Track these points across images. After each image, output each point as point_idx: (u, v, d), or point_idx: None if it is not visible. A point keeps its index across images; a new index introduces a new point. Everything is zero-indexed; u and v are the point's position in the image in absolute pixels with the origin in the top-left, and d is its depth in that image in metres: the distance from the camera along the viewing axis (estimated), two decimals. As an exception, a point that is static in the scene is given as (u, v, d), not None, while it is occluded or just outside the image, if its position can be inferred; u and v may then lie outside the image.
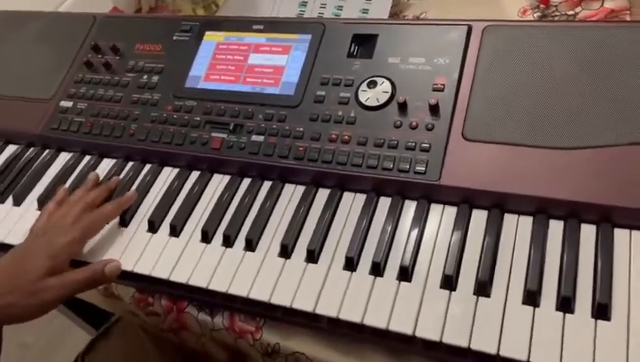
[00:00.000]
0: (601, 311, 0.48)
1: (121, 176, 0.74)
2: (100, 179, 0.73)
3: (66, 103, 0.81)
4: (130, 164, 0.75)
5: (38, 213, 0.72)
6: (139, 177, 0.73)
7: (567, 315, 0.49)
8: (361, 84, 0.67)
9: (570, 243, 0.53)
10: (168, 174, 0.73)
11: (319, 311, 0.55)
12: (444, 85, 0.63)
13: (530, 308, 0.50)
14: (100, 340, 0.85)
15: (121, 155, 0.76)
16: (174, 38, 0.80)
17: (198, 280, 0.60)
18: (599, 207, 0.53)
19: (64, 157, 0.80)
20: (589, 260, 0.52)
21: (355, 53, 0.70)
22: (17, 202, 0.75)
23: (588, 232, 0.54)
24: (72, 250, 0.61)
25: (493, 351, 0.49)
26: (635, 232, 0.53)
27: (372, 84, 0.66)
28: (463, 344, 0.50)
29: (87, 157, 0.79)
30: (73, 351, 1.57)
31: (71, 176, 0.76)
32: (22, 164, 0.80)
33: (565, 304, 0.49)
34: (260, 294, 0.57)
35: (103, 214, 0.65)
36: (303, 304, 0.56)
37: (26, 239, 0.63)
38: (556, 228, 0.55)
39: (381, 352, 0.57)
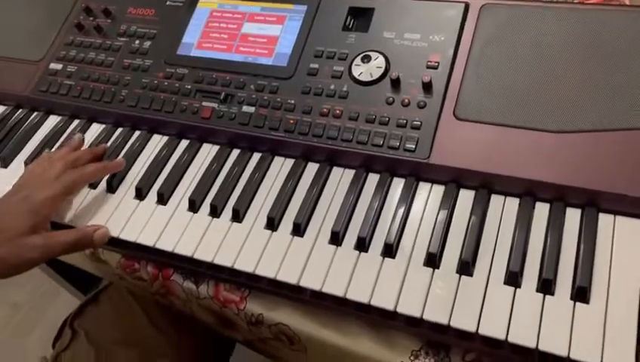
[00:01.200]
0: (581, 293, 0.49)
1: (110, 141, 0.73)
2: (89, 143, 0.73)
3: (56, 66, 0.80)
4: (120, 129, 0.75)
5: (26, 175, 0.72)
6: (128, 143, 0.72)
7: (547, 297, 0.50)
8: (355, 58, 0.66)
9: (555, 226, 0.53)
10: (157, 142, 0.72)
11: (303, 283, 0.55)
12: (438, 63, 0.63)
13: (511, 289, 0.51)
14: (90, 305, 0.85)
15: (111, 121, 0.76)
16: (167, 3, 0.79)
17: (184, 249, 0.60)
18: (585, 192, 0.53)
19: (53, 120, 0.79)
20: (572, 243, 0.52)
21: (350, 26, 0.69)
22: (4, 164, 0.74)
23: (573, 216, 0.54)
24: (52, 205, 0.60)
25: (472, 328, 0.49)
26: (619, 218, 0.53)
27: (366, 59, 0.65)
28: (444, 321, 0.50)
29: (77, 121, 0.78)
30: (61, 313, 1.59)
31: (59, 139, 0.76)
32: (10, 126, 0.79)
33: (546, 286, 0.50)
34: (245, 265, 0.58)
35: (85, 172, 0.64)
36: (288, 276, 0.56)
37: (5, 194, 0.62)
38: (542, 210, 0.55)
39: (363, 326, 0.57)
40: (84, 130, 0.76)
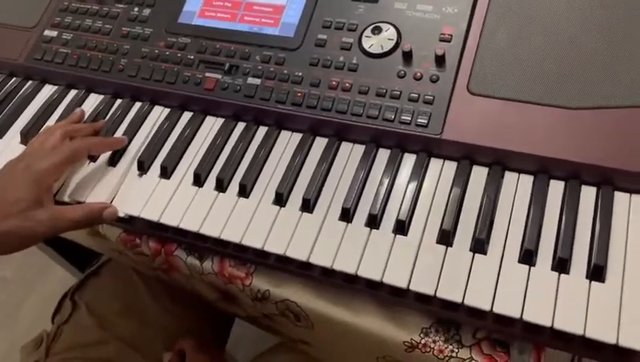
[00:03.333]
0: (597, 272, 0.48)
1: (110, 113, 0.71)
2: (87, 114, 0.71)
3: (50, 33, 0.77)
4: (119, 101, 0.72)
5: (22, 146, 0.69)
6: (128, 115, 0.70)
7: (563, 275, 0.49)
8: (365, 29, 0.64)
9: (570, 204, 0.52)
10: (159, 113, 0.70)
11: (313, 260, 0.54)
12: (451, 35, 0.61)
13: (525, 267, 0.50)
14: (91, 278, 0.84)
15: (110, 91, 0.73)
16: (168, -32, 0.75)
17: (190, 224, 0.59)
18: (601, 169, 0.53)
19: (48, 90, 0.76)
20: (588, 222, 0.52)
21: (360, -5, 0.67)
22: (-1, 134, 0.72)
23: (588, 194, 0.53)
24: (54, 173, 0.58)
25: (486, 307, 0.49)
26: (635, 196, 0.52)
27: (377, 30, 0.63)
28: (457, 299, 0.50)
29: (74, 92, 0.75)
30: (52, 288, 1.58)
31: (56, 110, 0.73)
32: (3, 95, 0.76)
33: (561, 264, 0.49)
34: (253, 241, 0.57)
35: (87, 142, 0.63)
36: (297, 253, 0.55)
37: (6, 165, 0.60)
38: (557, 188, 0.54)
39: (372, 303, 0.57)
40: (81, 100, 0.73)
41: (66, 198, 0.63)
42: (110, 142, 0.65)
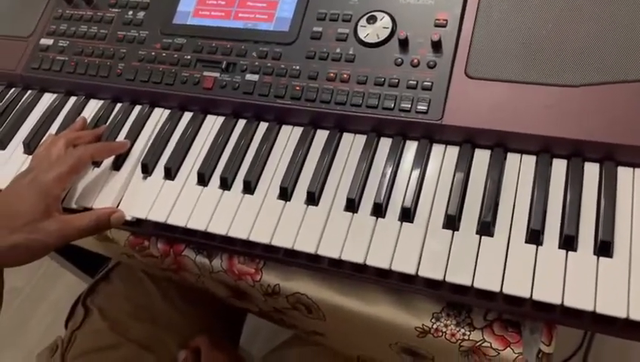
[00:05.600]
0: (604, 248, 0.48)
1: (110, 117, 0.71)
2: (88, 120, 0.71)
3: (46, 41, 0.77)
4: (119, 105, 0.72)
5: (25, 156, 0.70)
6: (129, 119, 0.70)
7: (570, 253, 0.49)
8: (360, 19, 0.64)
9: (574, 181, 0.53)
10: (159, 115, 0.70)
11: (321, 252, 0.55)
12: (446, 20, 0.61)
13: (533, 247, 0.50)
14: (101, 283, 0.85)
15: (109, 96, 0.73)
16: (159, -31, 0.75)
17: (197, 224, 0.59)
18: (603, 145, 0.53)
19: (48, 98, 0.76)
20: (592, 198, 0.52)
21: (352, -14, 0.67)
22: (2, 145, 0.72)
23: (591, 170, 0.53)
24: (60, 184, 0.59)
25: (496, 288, 0.49)
26: (638, 170, 0.52)
27: (371, 20, 0.63)
28: (467, 282, 0.50)
29: (73, 98, 0.75)
30: (63, 295, 1.59)
31: (57, 118, 0.73)
32: (3, 106, 0.76)
33: (568, 242, 0.49)
34: (260, 236, 0.57)
35: (88, 150, 0.62)
36: (305, 245, 0.55)
37: (13, 179, 0.60)
38: (559, 167, 0.54)
39: (382, 291, 0.57)
40: (81, 107, 0.74)
41: (72, 205, 0.63)
42: (113, 147, 0.66)
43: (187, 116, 0.69)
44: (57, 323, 0.87)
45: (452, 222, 0.53)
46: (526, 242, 0.51)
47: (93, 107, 0.73)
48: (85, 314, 0.81)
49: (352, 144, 0.62)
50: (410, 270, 0.52)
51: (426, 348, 0.58)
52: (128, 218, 0.62)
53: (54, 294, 1.62)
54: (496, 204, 0.54)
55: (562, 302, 0.47)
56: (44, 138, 0.70)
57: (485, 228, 0.52)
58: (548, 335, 0.52)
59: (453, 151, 0.58)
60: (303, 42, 0.65)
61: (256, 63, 0.66)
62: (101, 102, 0.74)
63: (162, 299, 0.82)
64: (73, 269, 1.23)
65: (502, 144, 0.57)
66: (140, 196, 0.63)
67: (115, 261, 0.88)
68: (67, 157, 0.60)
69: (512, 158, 0.56)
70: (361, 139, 0.61)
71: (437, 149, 0.59)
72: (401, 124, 0.59)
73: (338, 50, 0.64)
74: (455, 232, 0.53)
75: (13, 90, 0.79)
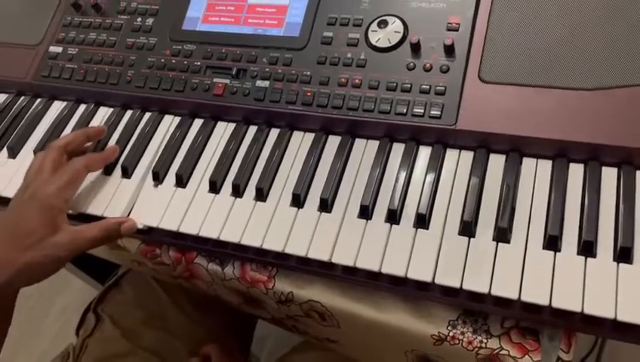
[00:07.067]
0: (624, 254, 0.48)
1: (121, 125, 0.71)
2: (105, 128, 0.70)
3: (56, 49, 0.77)
4: (130, 112, 0.72)
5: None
6: (139, 126, 0.70)
7: (589, 259, 0.49)
8: (370, 23, 0.64)
9: (592, 186, 0.52)
10: (170, 122, 0.70)
11: (336, 260, 0.54)
12: (458, 24, 0.60)
13: (551, 253, 0.50)
14: (112, 290, 0.85)
15: (119, 103, 0.73)
16: (168, -24, 0.75)
17: (209, 231, 0.59)
18: (621, 149, 0.52)
19: (58, 106, 0.76)
20: (611, 203, 0.51)
21: (363, -10, 0.66)
22: (13, 154, 0.72)
23: (609, 175, 0.53)
24: (61, 196, 0.58)
25: (514, 296, 0.48)
26: (657, 174, 0.52)
27: (382, 24, 0.63)
28: (484, 290, 0.49)
29: (83, 106, 0.75)
30: (72, 302, 1.59)
31: (67, 126, 0.73)
32: (14, 114, 0.76)
33: (587, 248, 0.49)
34: (274, 244, 0.56)
35: (82, 161, 0.61)
36: (319, 253, 0.55)
37: (13, 198, 0.60)
38: (576, 171, 0.54)
39: (396, 299, 0.57)
40: (91, 114, 0.73)
41: (83, 210, 0.63)
42: (105, 156, 0.65)
43: (198, 123, 0.69)
44: (68, 330, 0.86)
45: (468, 229, 0.53)
46: (544, 248, 0.50)
47: (103, 114, 0.73)
48: (97, 321, 0.81)
49: (364, 150, 0.61)
50: (426, 277, 0.51)
51: (443, 356, 0.58)
52: (140, 226, 0.61)
53: (64, 301, 1.62)
54: (513, 210, 0.53)
55: (582, 309, 0.46)
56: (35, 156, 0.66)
57: (502, 234, 0.51)
58: (567, 343, 0.51)
59: (467, 157, 0.58)
60: (313, 47, 0.65)
61: (267, 69, 0.66)
62: (111, 109, 0.73)
63: (173, 307, 0.82)
64: (83, 276, 1.23)
65: (517, 149, 0.56)
66: (152, 204, 0.63)
67: (125, 268, 0.87)
68: (65, 170, 0.59)
69: (528, 163, 0.56)
70: (374, 144, 0.61)
71: (451, 154, 0.58)
72: (414, 129, 0.59)
73: (349, 55, 0.63)
74: (471, 239, 0.52)
75: (23, 98, 0.79)
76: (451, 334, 0.54)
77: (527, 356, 0.51)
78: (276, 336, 1.25)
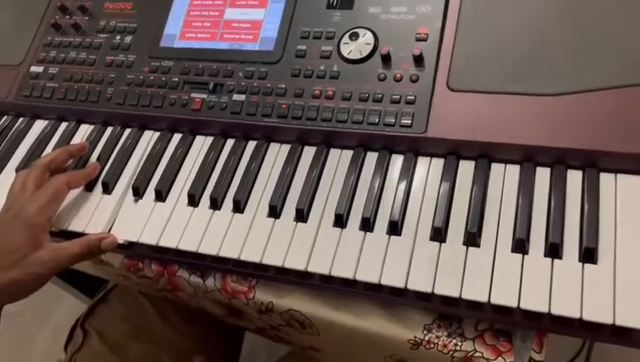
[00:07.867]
0: (589, 255, 0.49)
1: (101, 141, 0.72)
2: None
3: (37, 68, 0.78)
4: (110, 128, 0.73)
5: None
6: (119, 142, 0.71)
7: (556, 261, 0.50)
8: (342, 36, 0.65)
9: (558, 189, 0.53)
10: (149, 138, 0.71)
11: (312, 269, 0.55)
12: (427, 34, 0.62)
13: (519, 256, 0.51)
14: (99, 305, 0.85)
15: (100, 120, 0.74)
16: (145, -6, 0.77)
17: (188, 245, 0.60)
18: (585, 153, 0.53)
19: (40, 125, 0.77)
20: (576, 205, 0.52)
21: (334, 3, 0.68)
22: (-5, 173, 0.73)
23: (574, 178, 0.54)
24: (44, 214, 0.59)
25: (484, 299, 0.49)
26: (620, 176, 0.53)
27: (354, 36, 0.64)
28: (455, 294, 0.50)
29: (64, 124, 0.76)
30: (64, 318, 1.58)
31: (49, 144, 0.74)
32: (-4, 134, 0.77)
33: (553, 250, 0.50)
34: (251, 255, 0.57)
35: (64, 179, 0.62)
36: (295, 263, 0.56)
37: None
38: (543, 175, 0.55)
39: (373, 305, 0.58)
40: (72, 132, 0.74)
41: (65, 227, 0.64)
42: (87, 173, 0.66)
43: (176, 138, 0.70)
44: (58, 346, 0.87)
45: (439, 234, 0.54)
46: (512, 251, 0.51)
47: (84, 132, 0.74)
48: (84, 336, 0.82)
49: (339, 159, 0.62)
50: (399, 284, 0.52)
51: (420, 360, 0.59)
52: (120, 241, 0.62)
53: (55, 316, 1.62)
54: (482, 215, 0.54)
55: (549, 310, 0.48)
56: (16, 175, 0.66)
57: (471, 238, 0.53)
58: (539, 343, 0.52)
59: (438, 164, 0.59)
60: (287, 61, 0.66)
61: (243, 83, 0.67)
62: (92, 126, 0.74)
63: (160, 319, 0.83)
64: (73, 291, 1.23)
65: (486, 155, 0.57)
66: (132, 219, 0.64)
67: (112, 283, 0.88)
68: (46, 188, 0.60)
69: (497, 168, 0.57)
70: (348, 154, 0.62)
71: (422, 162, 0.60)
72: (387, 139, 0.60)
73: (322, 68, 0.64)
74: (442, 244, 0.54)
75: (5, 117, 0.80)
76: (427, 338, 0.55)
77: (500, 357, 0.52)
78: (266, 348, 1.26)
